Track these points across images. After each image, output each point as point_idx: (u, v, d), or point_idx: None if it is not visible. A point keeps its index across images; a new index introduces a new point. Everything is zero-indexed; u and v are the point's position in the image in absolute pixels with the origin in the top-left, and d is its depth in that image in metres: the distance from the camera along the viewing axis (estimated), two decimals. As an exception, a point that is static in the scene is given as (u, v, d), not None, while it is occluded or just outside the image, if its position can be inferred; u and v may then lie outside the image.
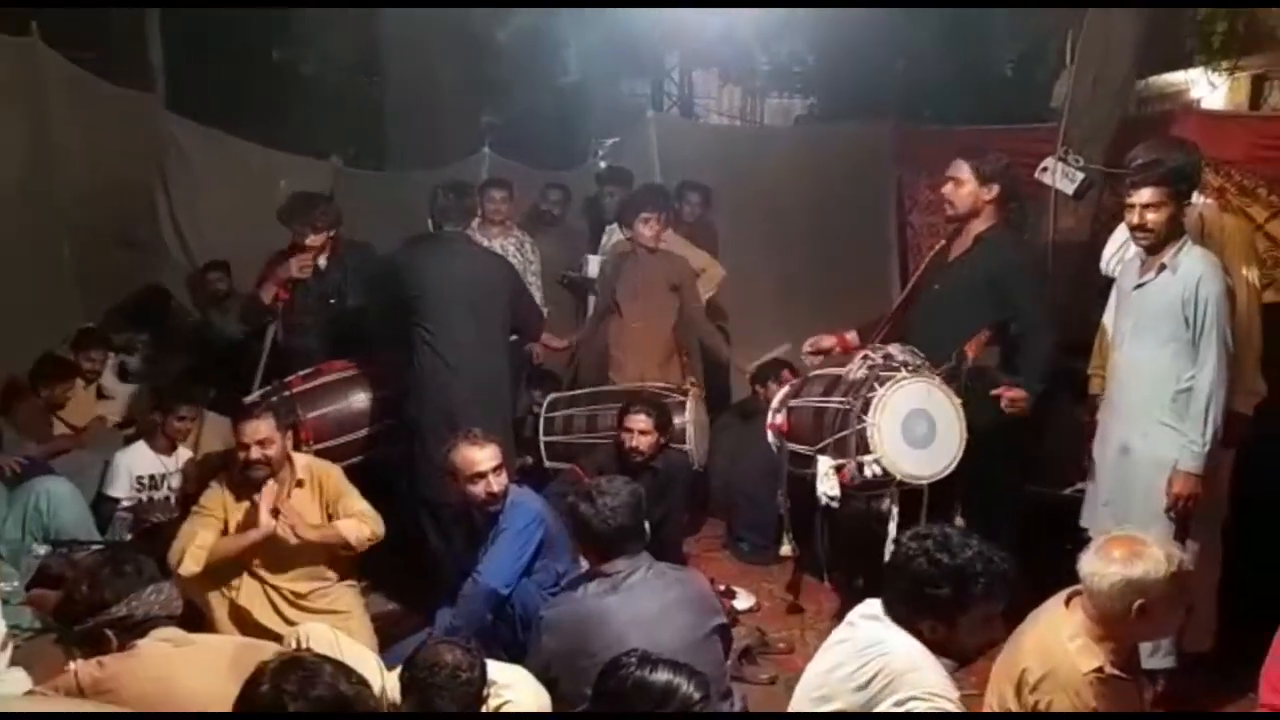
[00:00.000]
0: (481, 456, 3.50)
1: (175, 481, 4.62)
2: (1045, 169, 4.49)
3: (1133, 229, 3.35)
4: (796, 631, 4.05)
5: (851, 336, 4.06)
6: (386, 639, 3.64)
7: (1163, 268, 3.30)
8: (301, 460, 3.73)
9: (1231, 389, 3.27)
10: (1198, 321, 3.22)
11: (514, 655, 3.07)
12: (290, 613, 3.56)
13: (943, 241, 4.05)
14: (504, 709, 2.62)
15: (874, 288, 6.48)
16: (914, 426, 3.45)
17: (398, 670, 2.57)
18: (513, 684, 2.70)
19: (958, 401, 3.49)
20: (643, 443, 4.22)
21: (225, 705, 2.01)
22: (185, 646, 2.42)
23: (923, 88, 7.94)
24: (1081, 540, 2.72)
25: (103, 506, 4.47)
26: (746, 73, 11.94)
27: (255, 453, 3.53)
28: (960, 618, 2.27)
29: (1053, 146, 4.69)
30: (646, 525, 2.95)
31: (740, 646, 3.68)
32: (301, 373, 4.43)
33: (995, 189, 3.78)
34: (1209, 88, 6.50)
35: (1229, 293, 3.26)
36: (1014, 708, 2.36)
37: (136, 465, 4.59)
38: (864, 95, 8.18)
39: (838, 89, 9.31)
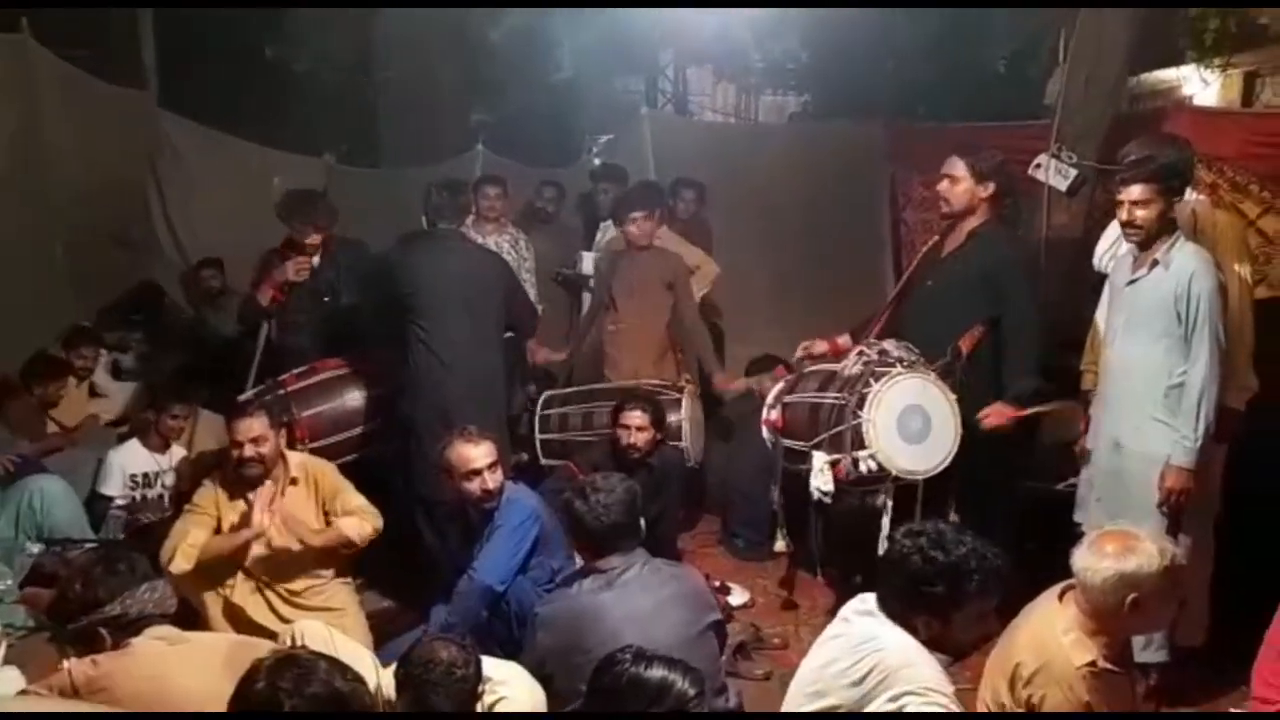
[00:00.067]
0: (476, 454, 3.50)
1: (169, 480, 4.61)
2: (1038, 166, 4.49)
3: (1123, 225, 3.37)
4: (791, 627, 4.06)
5: (844, 340, 4.06)
6: (381, 636, 3.64)
7: (1155, 264, 3.31)
8: (296, 458, 3.72)
9: (1223, 384, 3.28)
10: (1190, 317, 3.23)
11: (509, 652, 3.07)
12: (285, 610, 3.55)
13: (936, 237, 4.05)
14: (499, 706, 2.62)
15: (868, 284, 6.49)
16: (909, 422, 3.46)
17: (393, 667, 2.57)
18: (508, 681, 2.70)
19: (953, 397, 3.50)
20: (639, 439, 4.23)
21: (220, 703, 2.00)
22: (179, 644, 2.41)
23: (916, 85, 7.93)
24: (1075, 535, 2.74)
25: (96, 505, 4.46)
26: (741, 70, 11.90)
27: (249, 451, 3.53)
28: (954, 614, 2.27)
29: (1046, 143, 4.68)
30: (642, 522, 2.95)
31: (735, 642, 3.69)
32: (295, 371, 4.42)
33: (991, 186, 3.78)
34: (1201, 84, 6.51)
35: (1221, 288, 3.27)
36: (1008, 702, 2.37)
37: (130, 463, 4.58)
38: (858, 93, 8.17)
39: (831, 86, 9.29)
